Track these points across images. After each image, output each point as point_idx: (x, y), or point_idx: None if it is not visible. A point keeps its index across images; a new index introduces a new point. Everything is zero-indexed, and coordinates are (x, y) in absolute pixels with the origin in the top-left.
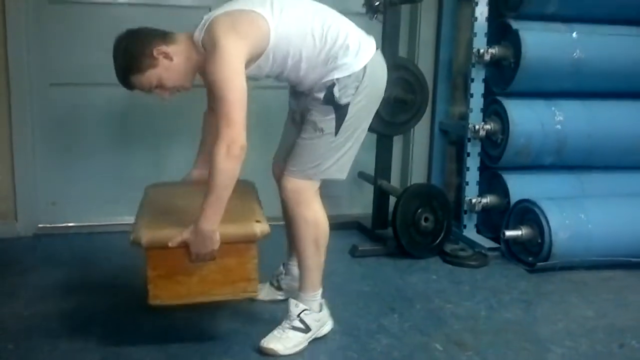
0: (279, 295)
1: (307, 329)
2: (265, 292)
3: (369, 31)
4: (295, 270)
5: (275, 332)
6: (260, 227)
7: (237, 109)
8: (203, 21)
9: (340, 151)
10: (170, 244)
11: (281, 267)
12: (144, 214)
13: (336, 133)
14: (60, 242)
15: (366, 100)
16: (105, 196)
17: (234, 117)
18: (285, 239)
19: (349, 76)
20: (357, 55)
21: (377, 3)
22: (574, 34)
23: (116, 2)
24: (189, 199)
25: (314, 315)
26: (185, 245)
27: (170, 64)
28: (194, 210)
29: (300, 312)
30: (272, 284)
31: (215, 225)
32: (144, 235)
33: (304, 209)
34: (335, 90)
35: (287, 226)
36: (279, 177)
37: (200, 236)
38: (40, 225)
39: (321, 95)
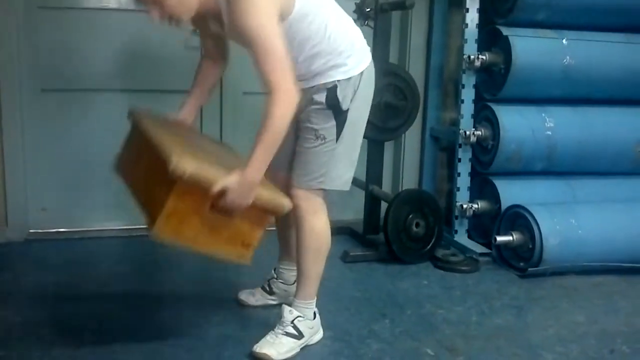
0: (271, 300)
1: (300, 336)
2: (257, 297)
3: None
4: (286, 274)
5: (268, 337)
6: (288, 203)
7: (283, 59)
8: None
9: (342, 159)
10: (213, 188)
11: (273, 272)
12: (168, 142)
13: (337, 139)
14: (51, 248)
15: (361, 107)
16: (96, 202)
17: (283, 68)
18: (278, 244)
19: (349, 80)
20: (358, 58)
21: (368, 9)
22: (564, 41)
23: (107, 7)
24: (201, 142)
25: (308, 322)
26: (218, 193)
27: None
28: (219, 155)
29: (294, 319)
30: (263, 289)
31: (259, 178)
32: (190, 166)
33: (312, 218)
34: (339, 92)
35: (280, 231)
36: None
37: (243, 186)
38: (31, 231)
39: (321, 98)
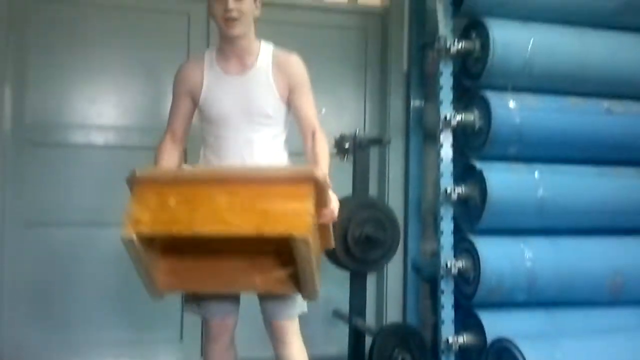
0: None
1: None
2: None
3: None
4: None
5: None
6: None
7: None
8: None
9: None
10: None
11: None
12: None
13: None
14: None
15: None
16: (78, 340)
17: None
18: None
19: None
20: None
21: (346, 146)
22: (536, 174)
23: (95, 145)
24: None
25: None
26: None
27: (253, 19)
28: None
29: None
30: None
31: None
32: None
33: (298, 340)
34: None
35: None
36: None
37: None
38: None
39: None
